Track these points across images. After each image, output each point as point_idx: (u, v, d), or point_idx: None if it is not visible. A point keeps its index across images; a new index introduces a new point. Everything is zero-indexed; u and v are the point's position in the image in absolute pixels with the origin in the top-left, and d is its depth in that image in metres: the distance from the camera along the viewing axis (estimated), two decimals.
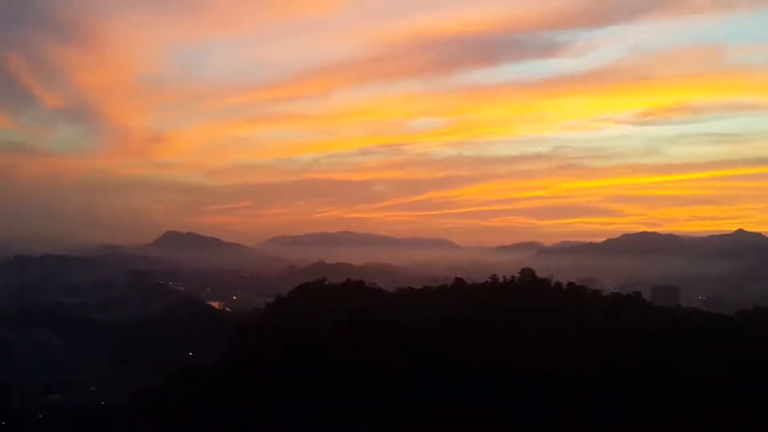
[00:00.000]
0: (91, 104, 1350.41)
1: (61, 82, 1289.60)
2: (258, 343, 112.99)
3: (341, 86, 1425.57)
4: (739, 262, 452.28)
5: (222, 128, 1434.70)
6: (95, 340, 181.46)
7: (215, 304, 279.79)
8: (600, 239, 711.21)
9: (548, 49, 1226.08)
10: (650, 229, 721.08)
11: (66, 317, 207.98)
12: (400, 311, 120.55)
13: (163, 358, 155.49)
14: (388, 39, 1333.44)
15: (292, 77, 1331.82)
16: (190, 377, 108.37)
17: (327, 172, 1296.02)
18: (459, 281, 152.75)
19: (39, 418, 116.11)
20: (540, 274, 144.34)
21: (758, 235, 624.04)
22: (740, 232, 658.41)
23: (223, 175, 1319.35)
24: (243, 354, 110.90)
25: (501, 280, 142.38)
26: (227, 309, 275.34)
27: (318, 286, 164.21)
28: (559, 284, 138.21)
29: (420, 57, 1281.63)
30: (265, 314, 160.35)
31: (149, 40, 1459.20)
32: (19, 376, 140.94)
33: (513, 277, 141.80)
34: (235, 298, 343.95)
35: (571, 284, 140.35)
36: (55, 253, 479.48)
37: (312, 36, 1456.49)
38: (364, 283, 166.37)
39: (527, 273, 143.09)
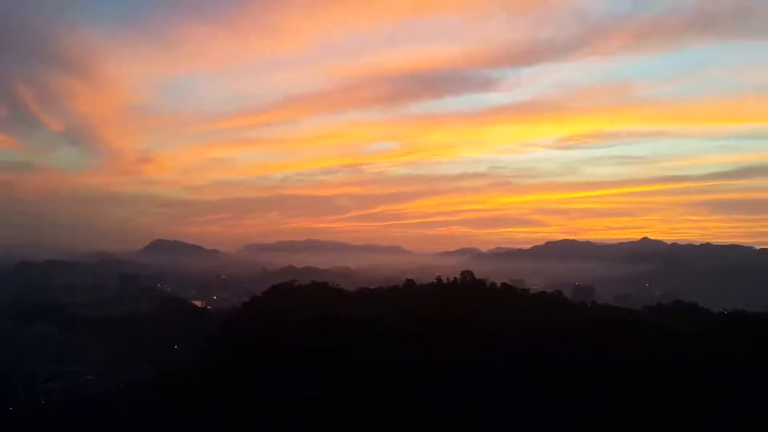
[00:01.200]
0: (88, 128, 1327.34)
1: (62, 110, 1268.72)
2: (235, 336, 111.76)
3: (309, 114, 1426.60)
4: (645, 264, 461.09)
5: (203, 150, 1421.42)
6: (91, 334, 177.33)
7: (197, 303, 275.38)
8: (528, 246, 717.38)
9: (485, 85, 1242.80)
10: (570, 237, 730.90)
11: (64, 314, 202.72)
12: (358, 308, 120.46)
13: (151, 350, 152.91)
14: (350, 74, 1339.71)
15: (265, 106, 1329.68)
16: (175, 367, 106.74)
17: (295, 188, 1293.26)
18: (409, 282, 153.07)
19: (40, 404, 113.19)
20: (477, 276, 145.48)
21: (660, 242, 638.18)
22: (645, 239, 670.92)
23: (204, 190, 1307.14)
24: (222, 346, 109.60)
25: (445, 281, 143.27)
26: (208, 307, 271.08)
27: (288, 287, 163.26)
28: (493, 284, 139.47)
29: (377, 89, 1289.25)
30: (242, 311, 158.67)
31: (140, 73, 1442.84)
32: (23, 365, 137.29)
33: (455, 278, 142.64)
34: (215, 297, 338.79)
35: (503, 284, 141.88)
36: (55, 258, 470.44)
37: (284, 71, 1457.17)
38: (327, 284, 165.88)
39: (467, 274, 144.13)
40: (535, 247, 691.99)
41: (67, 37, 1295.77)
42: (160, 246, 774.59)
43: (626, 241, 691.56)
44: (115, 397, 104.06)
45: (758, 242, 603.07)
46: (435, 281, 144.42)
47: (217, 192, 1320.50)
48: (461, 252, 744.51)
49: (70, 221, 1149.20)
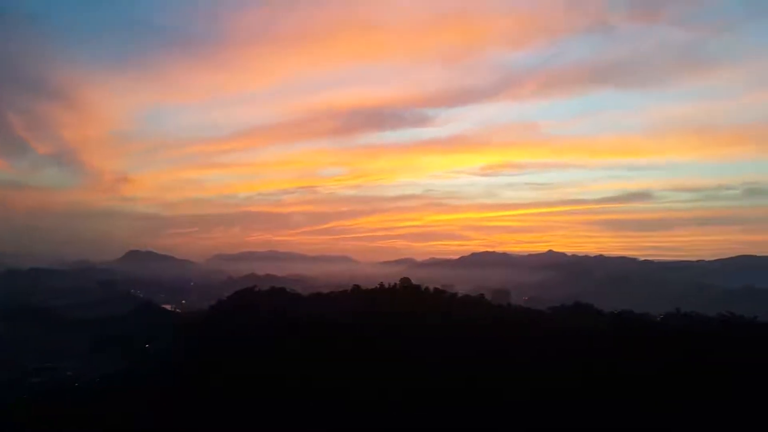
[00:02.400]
0: (72, 152, 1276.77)
1: (49, 135, 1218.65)
2: (202, 335, 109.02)
3: (270, 143, 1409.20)
4: (550, 272, 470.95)
5: (176, 172, 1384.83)
6: (72, 334, 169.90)
7: (168, 307, 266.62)
8: (456, 257, 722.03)
9: (420, 121, 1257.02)
10: (490, 249, 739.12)
11: (48, 316, 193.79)
12: (312, 309, 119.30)
13: (126, 349, 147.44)
14: (307, 109, 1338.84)
15: (232, 135, 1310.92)
16: (148, 362, 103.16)
17: (257, 206, 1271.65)
18: (356, 287, 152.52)
19: (24, 398, 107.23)
20: (414, 282, 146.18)
21: (563, 254, 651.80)
22: (551, 251, 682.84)
23: (176, 207, 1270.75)
24: (190, 344, 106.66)
25: (387, 286, 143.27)
26: (178, 310, 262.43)
27: (250, 292, 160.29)
28: (427, 288, 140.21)
29: (329, 123, 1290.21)
30: (208, 314, 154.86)
31: (121, 102, 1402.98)
32: (8, 362, 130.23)
33: (395, 284, 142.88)
34: (184, 302, 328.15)
35: (435, 288, 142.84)
36: (40, 266, 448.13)
37: (250, 104, 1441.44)
38: (285, 289, 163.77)
39: (405, 281, 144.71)
40: (462, 258, 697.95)
41: (54, 70, 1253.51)
42: (134, 256, 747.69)
43: (535, 252, 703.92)
44: (93, 390, 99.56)
45: (640, 254, 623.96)
46: (378, 286, 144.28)
47: (188, 208, 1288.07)
48: (400, 262, 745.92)
49: (54, 233, 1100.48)
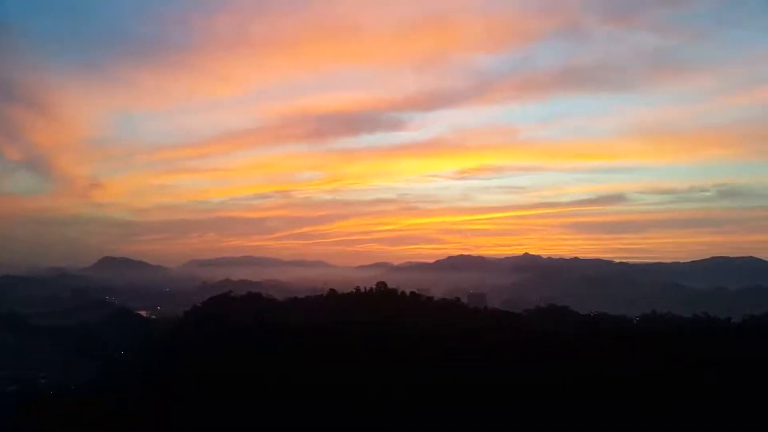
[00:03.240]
0: (44, 158, 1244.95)
1: (21, 141, 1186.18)
2: (177, 340, 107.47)
3: (245, 148, 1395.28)
4: (526, 275, 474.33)
5: (149, 177, 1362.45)
6: (47, 342, 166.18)
7: (143, 313, 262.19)
8: (432, 260, 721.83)
9: (396, 125, 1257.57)
10: (466, 253, 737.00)
11: (22, 325, 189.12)
12: (288, 313, 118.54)
13: (101, 356, 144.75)
14: (281, 114, 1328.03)
15: (206, 140, 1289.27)
16: (124, 370, 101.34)
17: (232, 211, 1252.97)
18: (332, 291, 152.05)
19: None
20: (390, 286, 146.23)
21: (538, 256, 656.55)
22: (526, 254, 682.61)
23: (149, 213, 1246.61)
24: (165, 349, 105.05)
25: (363, 290, 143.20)
26: (153, 317, 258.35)
27: (225, 297, 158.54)
28: (403, 292, 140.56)
29: (304, 127, 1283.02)
30: (183, 319, 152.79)
31: (94, 109, 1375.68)
32: None
33: (371, 288, 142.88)
34: (159, 308, 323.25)
35: (412, 292, 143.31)
36: (13, 273, 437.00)
37: (223, 110, 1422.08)
38: (261, 294, 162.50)
39: (381, 285, 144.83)
40: (438, 261, 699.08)
41: (27, 76, 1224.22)
42: (108, 262, 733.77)
43: (511, 255, 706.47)
44: (68, 399, 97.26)
45: (615, 256, 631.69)
46: (354, 290, 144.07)
47: (161, 214, 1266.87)
48: (376, 266, 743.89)
49: (26, 241, 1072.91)
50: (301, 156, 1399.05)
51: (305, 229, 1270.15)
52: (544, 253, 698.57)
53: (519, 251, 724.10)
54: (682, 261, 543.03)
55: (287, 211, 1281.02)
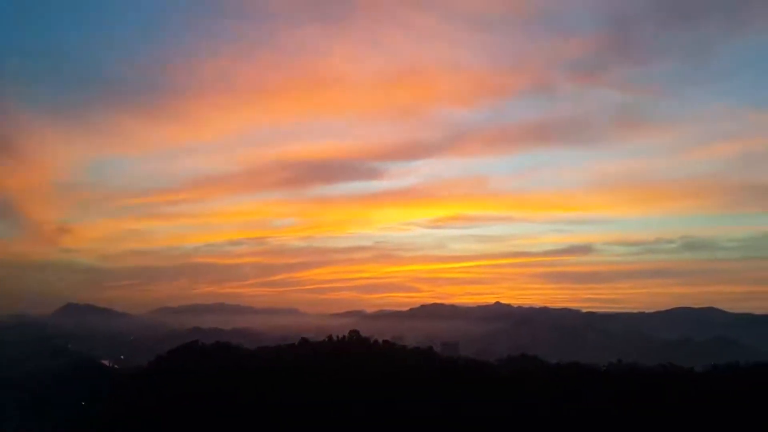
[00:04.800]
0: (12, 201, 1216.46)
1: None
2: (140, 392, 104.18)
3: (219, 194, 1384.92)
4: (497, 324, 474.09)
5: (119, 223, 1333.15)
6: (6, 392, 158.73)
7: (105, 362, 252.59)
8: (406, 308, 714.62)
9: (372, 173, 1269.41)
10: (439, 301, 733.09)
11: None
12: (258, 363, 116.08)
13: (62, 406, 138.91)
14: (257, 161, 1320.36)
15: (180, 186, 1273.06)
16: (85, 421, 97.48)
17: (205, 257, 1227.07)
18: (304, 340, 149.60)
19: None
20: (363, 334, 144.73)
21: (509, 305, 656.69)
22: (498, 303, 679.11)
23: (118, 259, 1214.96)
24: (126, 401, 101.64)
25: (335, 338, 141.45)
26: (115, 366, 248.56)
27: (192, 346, 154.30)
28: (376, 340, 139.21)
29: (280, 175, 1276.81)
30: (147, 369, 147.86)
31: (65, 153, 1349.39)
32: None
33: (344, 336, 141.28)
34: (122, 357, 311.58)
35: (385, 341, 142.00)
36: None
37: (198, 156, 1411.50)
38: (230, 343, 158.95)
39: (354, 333, 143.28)
40: (411, 309, 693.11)
41: None
42: (72, 309, 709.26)
43: (483, 304, 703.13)
44: None
45: (583, 306, 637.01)
46: (326, 339, 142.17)
47: (130, 260, 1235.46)
48: (350, 314, 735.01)
49: None
50: (277, 203, 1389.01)
51: (279, 277, 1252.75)
52: (514, 302, 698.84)
53: (490, 300, 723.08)
54: (647, 311, 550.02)
55: (261, 258, 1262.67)
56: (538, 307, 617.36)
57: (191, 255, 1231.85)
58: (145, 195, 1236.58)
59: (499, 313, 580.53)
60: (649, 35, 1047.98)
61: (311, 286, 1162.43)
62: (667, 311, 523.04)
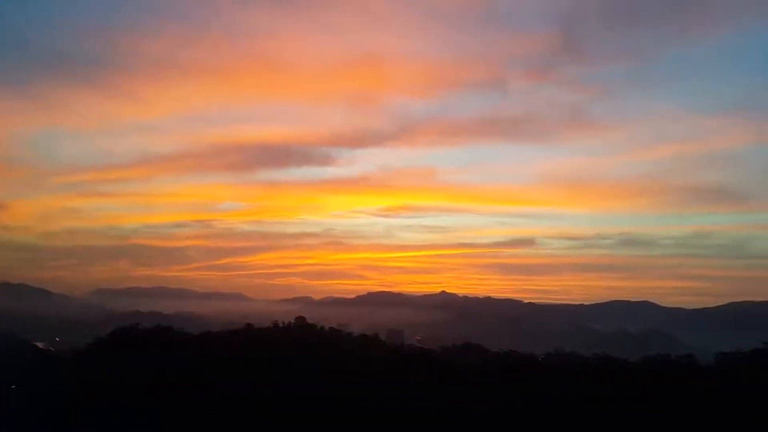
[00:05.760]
0: None
1: None
2: (75, 376, 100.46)
3: (164, 174, 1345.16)
4: (443, 313, 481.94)
5: (60, 200, 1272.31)
6: None
7: (40, 345, 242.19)
8: (353, 296, 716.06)
9: (324, 160, 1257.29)
10: (386, 289, 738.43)
11: None
12: (200, 348, 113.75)
13: None
14: (206, 142, 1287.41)
15: (124, 164, 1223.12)
16: (17, 404, 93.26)
17: (147, 239, 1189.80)
18: (249, 326, 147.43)
19: None
20: (310, 321, 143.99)
21: (455, 295, 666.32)
22: (443, 292, 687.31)
23: (56, 237, 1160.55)
24: (61, 385, 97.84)
25: (281, 324, 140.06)
26: (51, 348, 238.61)
27: (132, 330, 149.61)
28: (323, 327, 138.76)
29: (229, 157, 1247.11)
30: (84, 353, 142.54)
31: (2, 126, 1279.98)
32: None
33: (290, 322, 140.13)
34: (58, 339, 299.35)
35: (331, 328, 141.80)
36: None
37: (145, 134, 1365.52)
38: (172, 328, 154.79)
39: (300, 320, 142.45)
40: (358, 297, 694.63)
41: None
42: (6, 289, 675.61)
43: (429, 293, 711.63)
44: None
45: (525, 297, 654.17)
46: (272, 325, 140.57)
47: (71, 239, 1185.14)
48: (297, 300, 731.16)
49: None
50: (224, 186, 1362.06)
51: (224, 261, 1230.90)
52: (459, 291, 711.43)
53: (436, 289, 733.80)
54: (586, 303, 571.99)
55: (206, 242, 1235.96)
56: (482, 297, 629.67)
57: (133, 236, 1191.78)
58: (86, 172, 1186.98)
59: (444, 302, 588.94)
60: (599, 37, 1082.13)
61: (258, 271, 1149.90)
62: (603, 304, 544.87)
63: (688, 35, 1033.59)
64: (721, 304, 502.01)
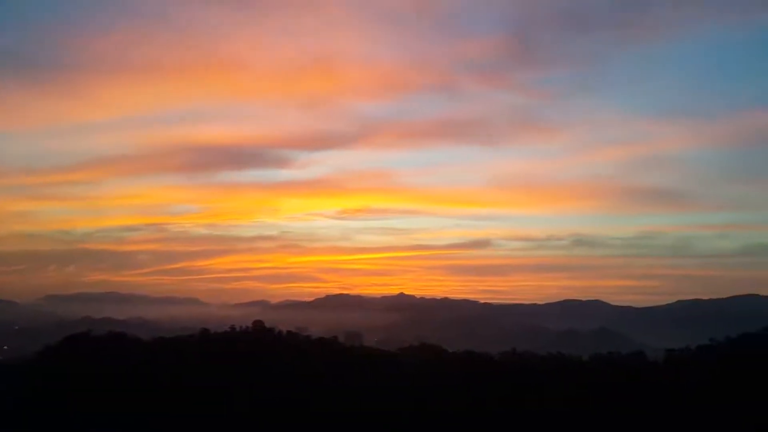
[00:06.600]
0: None
1: None
2: (25, 386, 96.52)
3: (115, 176, 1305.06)
4: (401, 314, 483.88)
5: (6, 204, 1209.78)
6: None
7: None
8: (311, 298, 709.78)
9: (279, 162, 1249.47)
10: (344, 292, 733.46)
11: None
12: (154, 355, 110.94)
13: None
14: (159, 142, 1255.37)
15: (72, 166, 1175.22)
16: None
17: (98, 243, 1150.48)
18: (204, 330, 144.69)
19: None
20: (267, 324, 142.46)
21: (413, 296, 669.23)
22: (401, 294, 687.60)
23: (3, 242, 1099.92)
24: (9, 395, 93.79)
25: (238, 329, 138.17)
26: None
27: (83, 337, 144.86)
28: (280, 331, 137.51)
29: (182, 158, 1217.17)
30: (34, 361, 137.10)
31: None
32: None
33: (247, 326, 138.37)
34: (6, 348, 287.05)
35: (289, 331, 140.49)
36: None
37: (94, 134, 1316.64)
38: (125, 334, 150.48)
39: (258, 323, 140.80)
40: (316, 299, 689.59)
41: None
42: None
43: (387, 295, 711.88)
44: None
45: (481, 297, 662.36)
46: (228, 330, 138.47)
47: (17, 244, 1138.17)
48: (254, 304, 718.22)
49: None
50: (177, 188, 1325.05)
51: (178, 265, 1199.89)
52: (417, 293, 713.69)
53: (394, 291, 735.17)
54: (539, 303, 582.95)
55: (160, 246, 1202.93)
56: (439, 298, 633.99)
57: (83, 240, 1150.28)
58: (34, 174, 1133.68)
59: (402, 303, 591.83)
60: (549, 42, 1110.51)
61: (213, 275, 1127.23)
62: (556, 303, 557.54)
63: (633, 42, 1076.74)
64: (668, 302, 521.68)
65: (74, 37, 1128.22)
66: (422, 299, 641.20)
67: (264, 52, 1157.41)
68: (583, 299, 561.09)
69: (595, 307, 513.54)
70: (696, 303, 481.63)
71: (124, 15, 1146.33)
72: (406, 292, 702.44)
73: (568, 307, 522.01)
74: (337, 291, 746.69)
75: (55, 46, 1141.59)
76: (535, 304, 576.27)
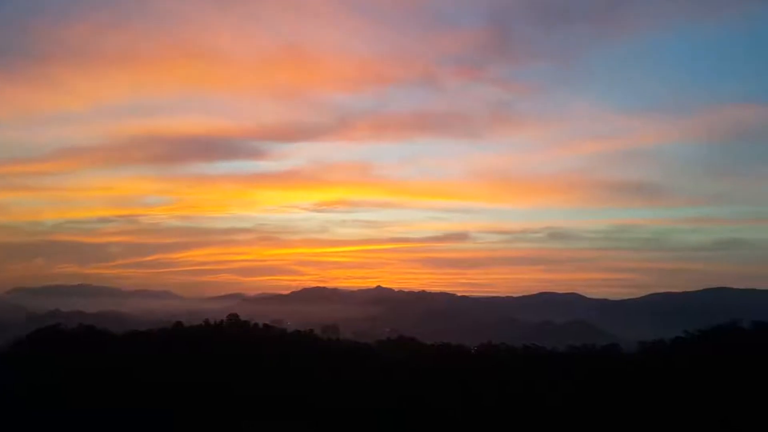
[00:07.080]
0: None
1: None
2: None
3: (86, 167, 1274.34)
4: (378, 307, 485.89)
5: None
6: None
7: None
8: (287, 291, 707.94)
9: (255, 154, 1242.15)
10: (321, 285, 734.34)
11: None
12: (126, 349, 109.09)
13: None
14: (131, 133, 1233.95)
15: (42, 156, 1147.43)
16: None
17: (68, 235, 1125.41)
18: (178, 324, 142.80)
19: None
20: (243, 318, 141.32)
21: (390, 289, 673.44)
22: (379, 287, 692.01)
23: None
24: None
25: (212, 322, 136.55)
26: None
27: (53, 330, 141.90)
28: (256, 324, 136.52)
29: (154, 149, 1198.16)
30: (2, 356, 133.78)
31: None
32: None
33: (222, 320, 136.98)
34: None
35: (265, 324, 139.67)
36: None
37: (64, 125, 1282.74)
38: (95, 328, 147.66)
39: (233, 317, 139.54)
40: (293, 293, 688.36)
41: None
42: None
43: (364, 288, 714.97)
44: None
45: (458, 290, 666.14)
46: (203, 323, 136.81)
47: None
48: (229, 297, 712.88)
49: None
50: (150, 180, 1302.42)
51: (151, 258, 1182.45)
52: (395, 286, 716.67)
53: (372, 284, 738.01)
54: (515, 295, 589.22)
55: (132, 238, 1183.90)
56: (417, 291, 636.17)
57: (52, 232, 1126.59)
58: (3, 165, 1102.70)
59: (379, 296, 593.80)
60: (527, 35, 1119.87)
61: (187, 268, 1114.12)
62: (532, 296, 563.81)
63: (611, 36, 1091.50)
64: (643, 295, 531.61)
65: (45, 24, 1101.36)
66: (400, 292, 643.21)
67: (239, 42, 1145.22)
68: (559, 292, 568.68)
69: (570, 300, 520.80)
70: (670, 296, 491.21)
71: (96, 2, 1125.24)
72: (384, 285, 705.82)
73: (543, 300, 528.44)
74: (314, 284, 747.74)
75: (25, 33, 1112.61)
76: (511, 297, 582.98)
